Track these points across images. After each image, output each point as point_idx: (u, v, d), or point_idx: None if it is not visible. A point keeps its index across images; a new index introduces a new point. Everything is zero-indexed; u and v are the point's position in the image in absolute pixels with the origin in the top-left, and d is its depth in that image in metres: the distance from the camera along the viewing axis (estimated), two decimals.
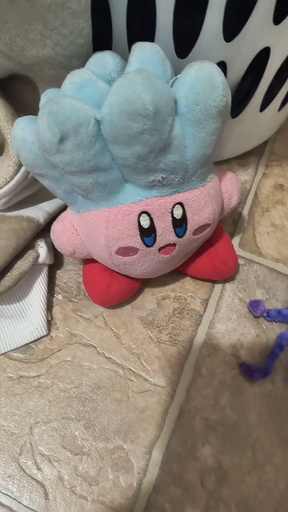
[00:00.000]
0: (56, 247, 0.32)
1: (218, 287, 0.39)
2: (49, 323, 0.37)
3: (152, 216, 0.27)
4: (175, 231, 0.28)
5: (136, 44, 0.26)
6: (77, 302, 0.38)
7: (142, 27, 0.29)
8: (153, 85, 0.21)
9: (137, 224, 0.27)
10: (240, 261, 0.41)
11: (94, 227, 0.28)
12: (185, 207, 0.28)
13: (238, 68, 0.33)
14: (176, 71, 0.30)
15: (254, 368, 0.34)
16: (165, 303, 0.38)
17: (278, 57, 0.33)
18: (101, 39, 0.30)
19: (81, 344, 0.36)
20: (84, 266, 0.36)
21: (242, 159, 0.50)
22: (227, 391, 0.34)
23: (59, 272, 0.40)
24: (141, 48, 0.26)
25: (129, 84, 0.21)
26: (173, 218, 0.28)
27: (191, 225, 0.29)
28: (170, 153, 0.24)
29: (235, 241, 0.43)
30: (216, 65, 0.24)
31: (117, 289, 0.34)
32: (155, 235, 0.28)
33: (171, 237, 0.29)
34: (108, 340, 0.36)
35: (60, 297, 0.39)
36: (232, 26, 0.29)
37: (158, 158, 0.24)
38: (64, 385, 0.34)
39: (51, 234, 0.32)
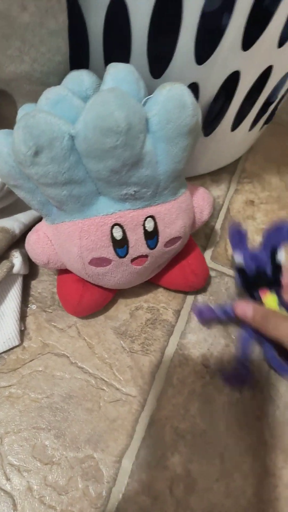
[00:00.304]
0: (31, 257, 0.33)
1: (190, 298, 0.40)
2: (22, 333, 0.37)
3: (124, 228, 0.28)
4: (147, 243, 0.29)
5: (111, 64, 0.27)
6: (51, 312, 0.38)
7: (118, 48, 0.30)
8: (126, 103, 0.22)
9: (110, 235, 0.28)
10: (212, 273, 0.42)
11: (68, 238, 0.29)
12: (157, 220, 0.29)
13: (210, 89, 0.35)
14: (151, 90, 0.31)
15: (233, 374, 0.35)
16: (138, 314, 0.39)
17: (247, 80, 0.35)
18: (79, 58, 0.31)
19: (53, 354, 0.36)
20: (58, 277, 0.37)
21: (215, 175, 0.52)
22: (197, 400, 0.34)
23: (33, 283, 0.40)
24: (116, 68, 0.27)
25: (102, 101, 0.22)
26: (145, 231, 0.29)
27: (163, 237, 0.30)
28: (142, 167, 0.25)
29: (207, 254, 0.44)
30: (186, 87, 0.25)
31: (90, 299, 0.35)
32: (128, 247, 0.29)
33: (143, 249, 0.30)
34: (81, 350, 0.37)
35: (34, 307, 0.39)
36: (203, 50, 0.31)
37: (131, 172, 0.25)
38: (35, 395, 0.34)
39: (25, 244, 0.32)
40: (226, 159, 0.50)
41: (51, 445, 0.32)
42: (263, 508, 0.31)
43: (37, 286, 0.40)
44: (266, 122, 0.48)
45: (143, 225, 0.28)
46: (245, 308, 0.33)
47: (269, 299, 0.34)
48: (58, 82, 0.28)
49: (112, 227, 0.28)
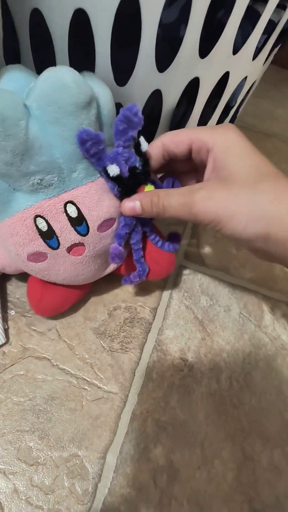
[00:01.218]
0: None
1: (166, 295, 0.42)
2: (6, 331, 0.37)
3: (46, 218, 0.29)
4: (76, 230, 0.30)
5: (3, 68, 0.28)
6: (30, 317, 0.39)
7: (83, 58, 0.32)
8: None
9: (35, 228, 0.29)
10: (186, 271, 0.44)
11: (4, 239, 0.30)
12: (78, 205, 0.29)
13: (173, 95, 0.37)
14: (117, 98, 0.33)
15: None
16: (117, 313, 0.40)
17: (207, 86, 0.37)
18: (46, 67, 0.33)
19: (34, 357, 0.37)
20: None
21: None
22: (176, 392, 0.36)
23: (11, 288, 0.41)
24: (7, 70, 0.28)
25: None
26: (69, 217, 0.29)
27: (92, 221, 0.30)
28: (36, 154, 0.26)
29: (181, 253, 0.46)
30: (67, 68, 0.25)
31: (51, 299, 0.36)
32: (57, 236, 0.30)
33: (74, 236, 0.30)
34: (61, 352, 0.37)
35: (12, 312, 0.39)
36: (164, 59, 0.33)
37: (26, 161, 0.26)
38: (18, 399, 0.34)
39: None
40: None
41: (35, 446, 0.32)
42: (243, 490, 0.32)
43: (15, 292, 0.40)
44: None
45: (65, 212, 0.29)
46: (131, 203, 0.29)
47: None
48: None
49: (35, 220, 0.29)
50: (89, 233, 0.31)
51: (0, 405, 0.34)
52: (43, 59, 0.34)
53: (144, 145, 0.29)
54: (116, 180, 0.29)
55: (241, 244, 0.27)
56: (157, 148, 0.30)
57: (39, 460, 0.32)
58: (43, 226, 0.29)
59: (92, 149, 0.27)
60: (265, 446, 0.34)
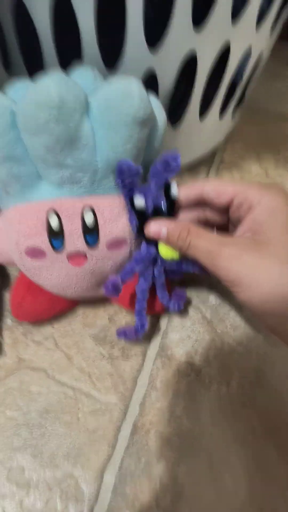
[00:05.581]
0: None
1: None
2: (1, 344, 0.36)
3: (61, 216, 0.27)
4: (85, 238, 0.28)
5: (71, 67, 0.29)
6: (28, 325, 0.37)
7: (68, 43, 0.31)
8: (62, 82, 0.23)
9: (45, 222, 0.27)
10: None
11: (10, 223, 0.29)
12: (97, 213, 0.28)
13: (169, 74, 0.34)
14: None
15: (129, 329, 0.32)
16: (118, 318, 0.37)
17: (206, 61, 0.34)
18: (33, 61, 0.33)
19: (30, 368, 0.34)
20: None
21: (192, 168, 0.50)
22: (182, 400, 0.32)
23: (9, 296, 0.39)
24: (76, 68, 0.29)
25: (42, 80, 0.23)
26: (84, 224, 0.28)
27: (104, 234, 0.29)
28: (78, 149, 0.25)
29: None
30: (137, 80, 0.25)
31: (32, 305, 0.34)
32: (63, 238, 0.28)
33: (80, 244, 0.28)
34: (58, 362, 0.35)
35: (9, 322, 0.37)
36: (154, 33, 0.30)
37: (66, 151, 0.25)
38: (11, 413, 0.32)
39: None
40: (199, 150, 0.48)
41: (27, 465, 0.30)
42: (258, 506, 0.27)
43: None
44: (237, 106, 0.47)
45: (82, 216, 0.28)
46: (158, 227, 0.28)
47: None
48: None
49: (49, 214, 0.27)
50: (96, 245, 0.29)
51: None
52: (28, 46, 0.33)
53: (174, 190, 0.29)
54: (138, 213, 0.28)
55: (252, 312, 0.25)
56: (195, 190, 0.29)
57: (31, 482, 0.29)
58: (55, 223, 0.28)
59: (126, 181, 0.27)
60: (281, 455, 0.29)
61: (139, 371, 0.34)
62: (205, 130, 0.45)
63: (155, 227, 0.28)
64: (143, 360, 0.35)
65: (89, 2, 0.27)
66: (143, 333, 0.32)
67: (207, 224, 0.32)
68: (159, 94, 0.35)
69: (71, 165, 0.26)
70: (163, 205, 0.29)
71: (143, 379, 0.33)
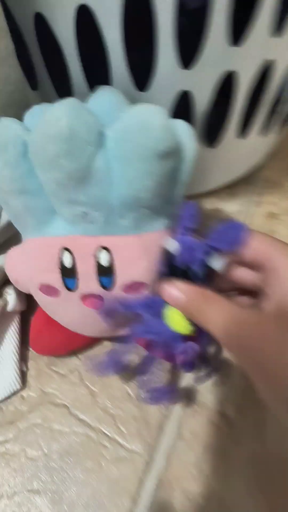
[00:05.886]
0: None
1: None
2: (24, 374, 0.35)
3: (74, 255, 0.25)
4: (100, 280, 0.26)
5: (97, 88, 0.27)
6: (52, 356, 0.36)
7: (96, 65, 0.29)
8: (74, 111, 0.21)
9: (58, 260, 0.26)
10: None
11: (28, 256, 0.28)
12: (113, 254, 0.25)
13: (204, 95, 0.32)
14: None
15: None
16: None
17: (245, 80, 0.32)
18: (62, 84, 0.32)
19: (53, 404, 0.33)
20: None
21: (231, 188, 0.47)
22: (212, 456, 0.30)
23: None
24: (99, 91, 0.27)
25: (53, 108, 0.22)
26: (99, 264, 0.26)
27: (121, 278, 0.26)
28: (91, 185, 0.23)
29: None
30: (160, 108, 0.23)
31: (49, 338, 0.33)
32: (77, 278, 0.26)
33: (94, 286, 0.26)
34: (82, 399, 0.33)
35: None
36: (188, 52, 0.28)
37: (78, 188, 0.23)
38: (32, 452, 0.31)
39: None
40: (239, 169, 0.45)
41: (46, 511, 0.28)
42: None
43: None
44: (283, 124, 0.43)
45: (95, 256, 0.26)
46: (176, 292, 0.23)
47: None
48: (16, 112, 0.26)
49: (62, 252, 0.26)
50: (112, 289, 0.26)
51: (13, 459, 0.31)
52: (54, 67, 0.31)
53: (217, 263, 0.24)
54: (169, 257, 0.25)
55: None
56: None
57: None
58: (68, 262, 0.26)
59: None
60: None
61: (166, 416, 0.32)
62: (245, 148, 0.42)
63: (171, 291, 0.23)
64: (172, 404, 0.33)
65: (114, 19, 0.26)
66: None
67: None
68: (194, 115, 0.33)
69: (85, 202, 0.24)
70: (200, 267, 0.24)
71: (170, 427, 0.31)
